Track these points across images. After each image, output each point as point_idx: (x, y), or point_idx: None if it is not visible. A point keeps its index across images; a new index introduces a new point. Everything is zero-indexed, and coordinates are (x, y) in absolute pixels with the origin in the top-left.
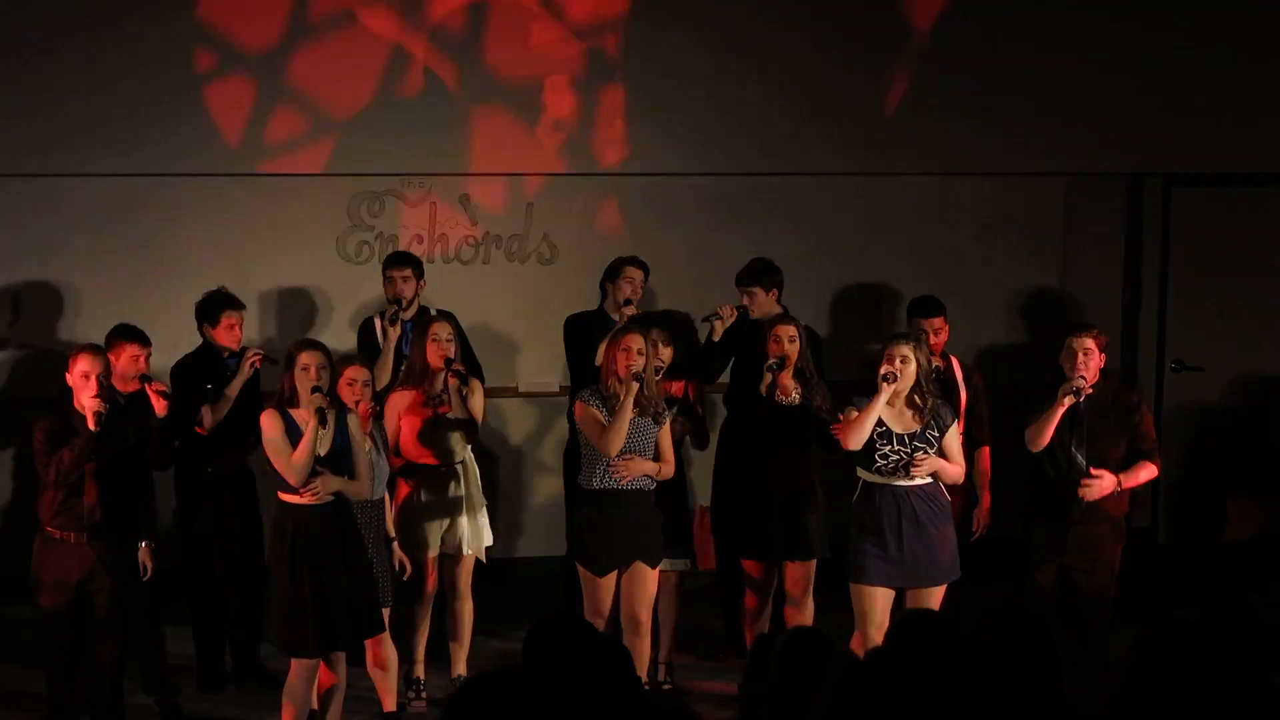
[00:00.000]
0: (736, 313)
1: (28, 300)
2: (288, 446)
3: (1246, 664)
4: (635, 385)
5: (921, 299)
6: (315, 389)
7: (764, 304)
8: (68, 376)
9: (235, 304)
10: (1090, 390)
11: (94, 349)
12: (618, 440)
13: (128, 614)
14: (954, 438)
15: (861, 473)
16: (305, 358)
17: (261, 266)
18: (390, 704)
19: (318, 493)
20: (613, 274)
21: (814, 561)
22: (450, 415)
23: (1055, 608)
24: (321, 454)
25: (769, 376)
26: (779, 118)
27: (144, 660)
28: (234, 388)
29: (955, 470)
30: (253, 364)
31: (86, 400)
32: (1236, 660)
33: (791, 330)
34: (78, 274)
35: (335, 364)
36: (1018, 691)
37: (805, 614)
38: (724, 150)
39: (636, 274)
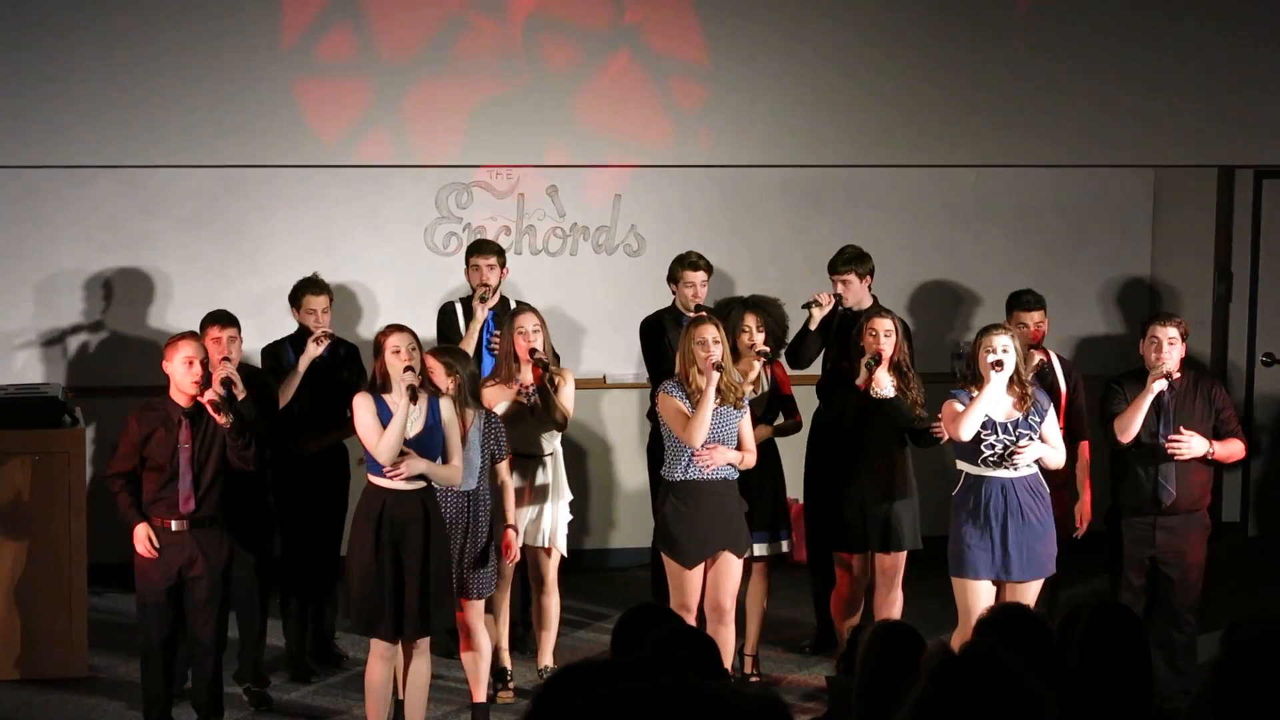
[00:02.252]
0: (833, 300)
1: (119, 290)
2: (379, 428)
3: None
4: (716, 375)
5: (1021, 293)
6: (407, 368)
7: (858, 292)
8: (164, 365)
9: (319, 288)
10: (1177, 377)
11: (194, 336)
12: (701, 431)
13: (228, 603)
14: (1053, 423)
15: (965, 466)
16: (395, 340)
17: (349, 257)
18: (480, 694)
19: (402, 474)
20: (673, 276)
21: (904, 553)
22: (537, 406)
23: (1150, 603)
24: (410, 435)
25: (866, 372)
26: (865, 110)
27: (244, 650)
28: (300, 366)
29: (1059, 456)
30: (317, 340)
31: (189, 388)
32: None
33: (888, 324)
34: (168, 264)
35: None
36: (1108, 687)
37: (894, 606)
38: (811, 142)
39: (696, 276)
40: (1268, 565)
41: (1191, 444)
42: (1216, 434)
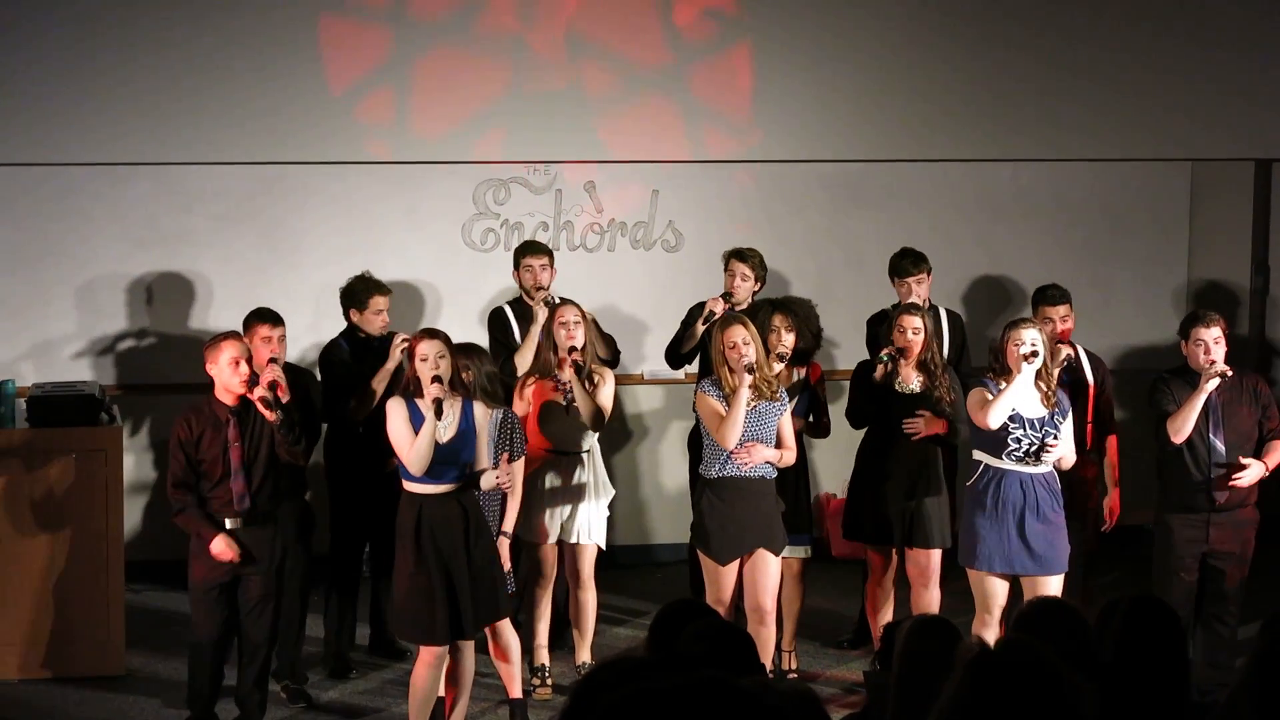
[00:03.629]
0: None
1: (157, 288)
2: (411, 435)
3: None
4: (749, 377)
5: (1046, 288)
6: (435, 379)
7: (926, 291)
8: (208, 367)
9: (382, 289)
10: (1230, 374)
11: (236, 336)
12: (734, 432)
13: (279, 601)
14: (1070, 424)
15: (984, 457)
16: (424, 347)
17: (387, 254)
18: (515, 691)
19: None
20: (725, 266)
21: (938, 551)
22: (576, 403)
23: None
24: (442, 441)
25: (882, 367)
26: (903, 105)
27: (284, 648)
28: (381, 377)
29: (1073, 456)
30: (403, 350)
31: (237, 388)
32: None
33: (916, 322)
34: (206, 262)
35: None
36: (1144, 682)
37: (931, 602)
38: (849, 137)
39: (739, 267)
40: None
41: (1250, 474)
42: (1261, 430)
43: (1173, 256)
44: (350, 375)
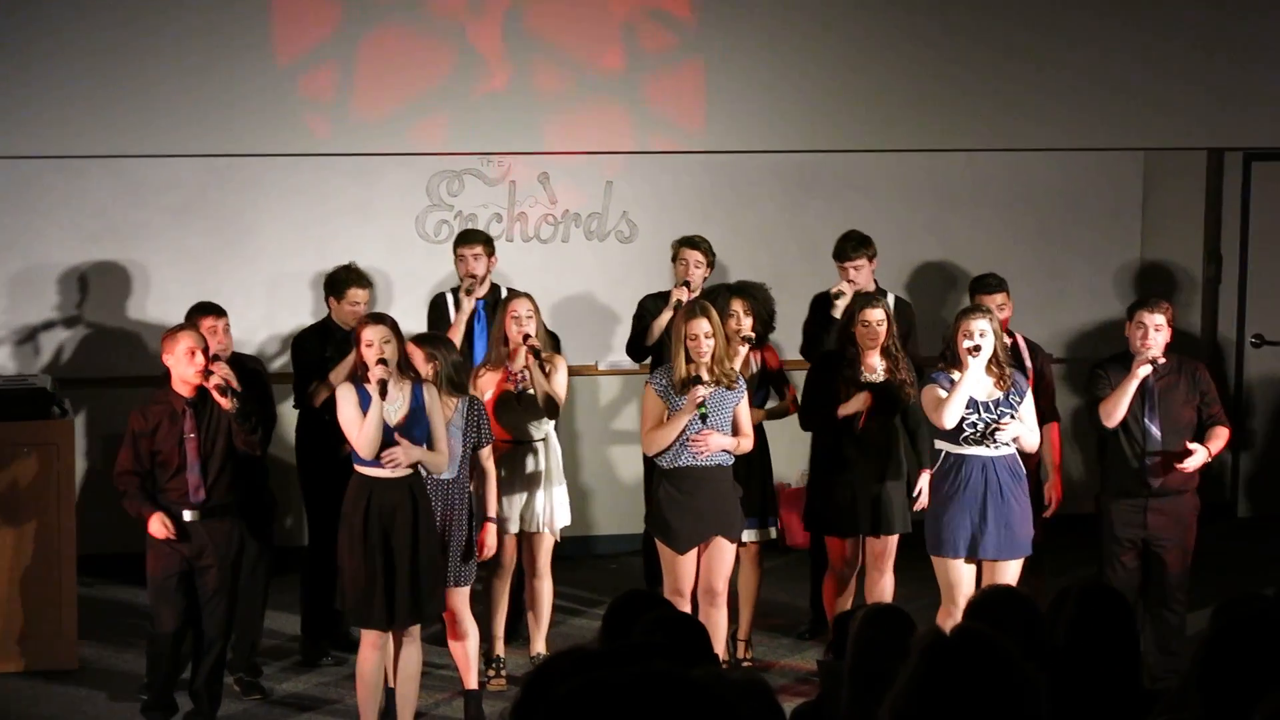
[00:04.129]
0: (853, 287)
1: (108, 280)
2: (360, 418)
3: None
4: (701, 393)
5: (984, 276)
6: (379, 361)
7: (868, 276)
8: (165, 358)
9: (362, 282)
10: (1163, 361)
11: (194, 327)
12: (659, 445)
13: (235, 593)
14: (1029, 404)
15: (945, 445)
16: (368, 333)
17: (341, 245)
18: (470, 681)
19: (398, 462)
20: (673, 256)
21: (894, 537)
22: (530, 392)
23: (1140, 585)
24: (392, 423)
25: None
26: (857, 95)
27: (239, 640)
28: (339, 370)
29: (1033, 437)
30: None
31: (193, 378)
32: None
33: (878, 314)
34: (158, 254)
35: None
36: (1096, 668)
37: (885, 588)
38: (803, 127)
39: (691, 254)
40: (1257, 546)
41: (1194, 460)
42: (1200, 417)
43: (1125, 245)
44: (320, 362)
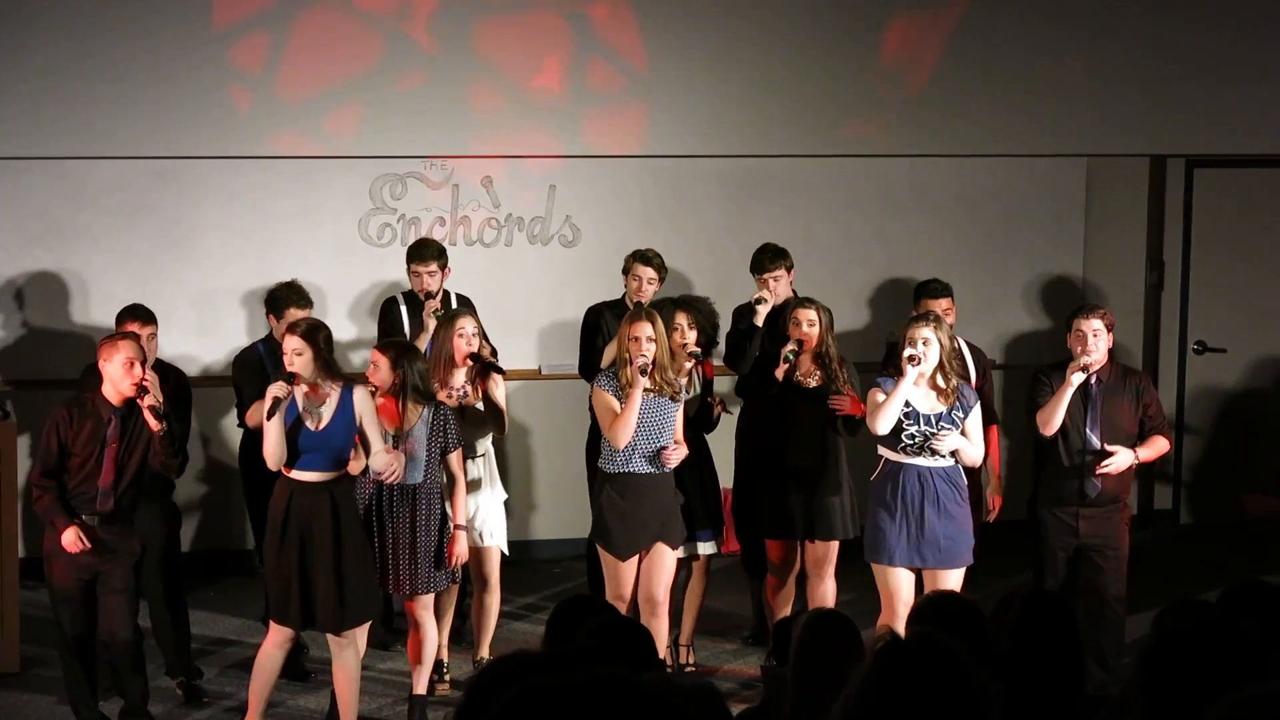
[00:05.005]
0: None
1: (49, 283)
2: (277, 424)
3: (1267, 645)
4: (643, 379)
5: (928, 282)
6: (282, 379)
7: (786, 288)
8: (101, 363)
9: (301, 301)
10: (1096, 369)
11: (135, 337)
12: (625, 433)
13: (138, 596)
14: (976, 419)
15: (885, 451)
16: (285, 343)
17: (283, 249)
18: (420, 687)
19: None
20: (625, 268)
21: (834, 543)
22: (474, 407)
23: (1074, 592)
24: (317, 429)
25: (785, 363)
26: (799, 100)
27: (165, 644)
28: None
29: (975, 452)
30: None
31: (128, 390)
32: (1257, 641)
33: (811, 314)
34: (100, 256)
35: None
36: (1040, 674)
37: (826, 593)
38: (746, 132)
39: (645, 270)
40: (1198, 553)
41: (1119, 461)
42: (1141, 428)
43: (1068, 252)
44: (265, 380)
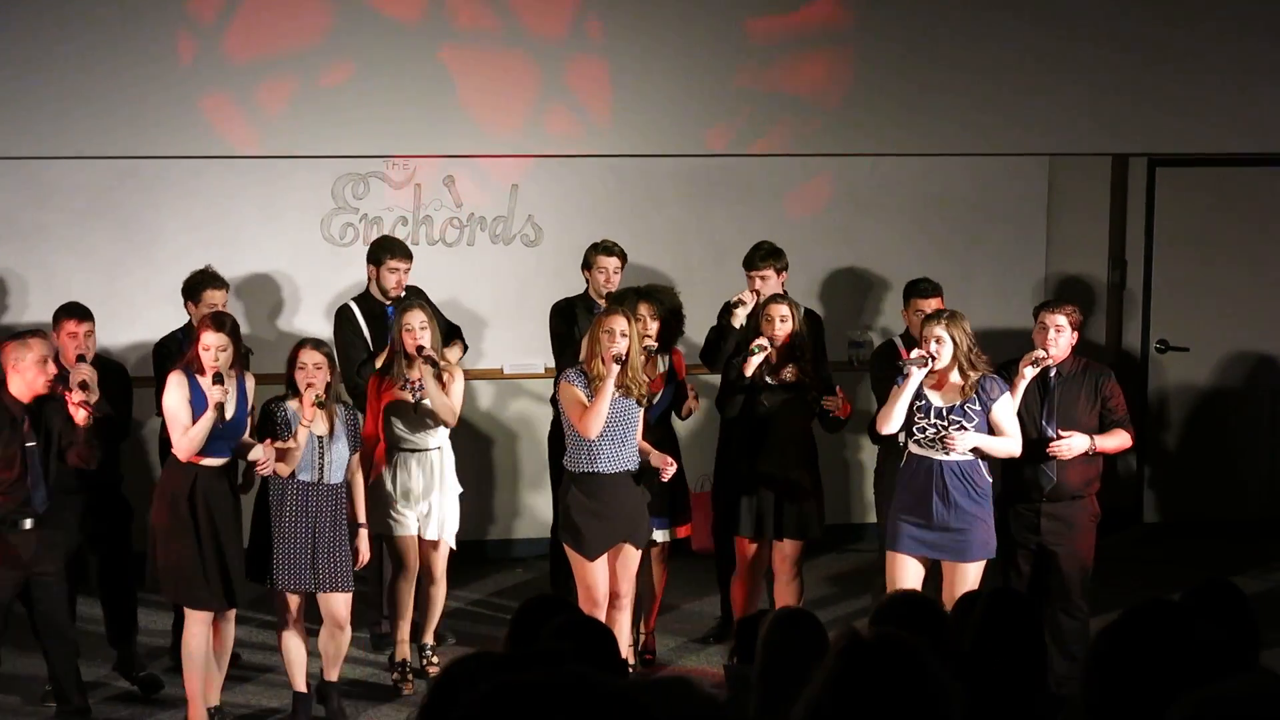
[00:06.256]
0: (755, 297)
1: (13, 284)
2: (187, 416)
3: (1231, 644)
4: (615, 368)
5: (918, 281)
6: (216, 378)
7: (774, 288)
8: (8, 364)
9: (218, 282)
10: (1047, 364)
11: (43, 334)
12: (596, 423)
13: (75, 594)
14: (1003, 410)
15: (910, 444)
16: (207, 338)
17: (245, 249)
18: (333, 674)
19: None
20: (587, 262)
21: (802, 541)
22: (425, 401)
23: (1036, 589)
24: (227, 419)
25: (753, 359)
26: (761, 100)
27: (118, 641)
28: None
29: (1004, 445)
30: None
31: (41, 388)
32: (1221, 640)
33: (784, 310)
34: (59, 257)
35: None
36: (1002, 672)
37: (792, 594)
38: (709, 131)
39: (609, 261)
40: (1163, 552)
41: (1071, 444)
42: (1103, 423)
43: (1031, 250)
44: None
